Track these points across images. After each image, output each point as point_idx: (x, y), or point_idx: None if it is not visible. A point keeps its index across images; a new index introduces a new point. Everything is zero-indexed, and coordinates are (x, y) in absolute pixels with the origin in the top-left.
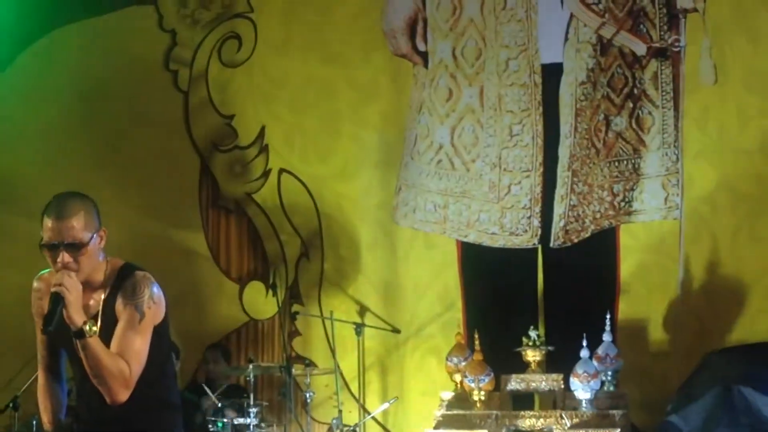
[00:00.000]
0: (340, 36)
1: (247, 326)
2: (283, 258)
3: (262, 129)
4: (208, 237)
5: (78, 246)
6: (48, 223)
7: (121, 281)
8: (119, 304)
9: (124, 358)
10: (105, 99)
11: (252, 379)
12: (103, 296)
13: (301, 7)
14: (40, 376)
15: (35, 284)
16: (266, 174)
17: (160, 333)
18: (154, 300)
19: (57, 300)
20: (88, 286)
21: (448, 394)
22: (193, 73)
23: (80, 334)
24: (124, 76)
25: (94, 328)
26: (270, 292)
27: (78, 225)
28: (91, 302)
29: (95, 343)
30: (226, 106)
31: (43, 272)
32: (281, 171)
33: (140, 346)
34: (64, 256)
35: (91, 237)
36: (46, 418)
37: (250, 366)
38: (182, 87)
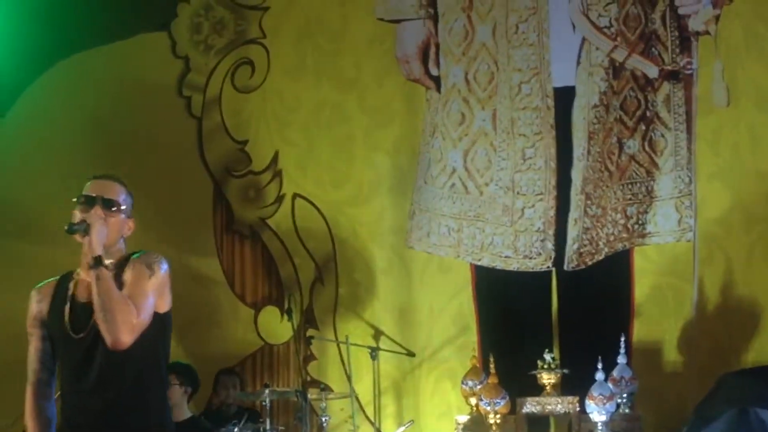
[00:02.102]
0: (353, 61)
1: (263, 351)
2: (298, 282)
3: (276, 154)
4: (222, 262)
5: (113, 204)
6: (88, 184)
7: (128, 258)
8: (129, 267)
9: (133, 303)
10: (118, 125)
11: (268, 404)
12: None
13: (313, 33)
14: (29, 394)
15: (33, 293)
16: (280, 199)
17: (164, 324)
18: (164, 269)
19: (82, 222)
20: None
21: (463, 418)
22: (206, 99)
23: (98, 261)
24: (137, 103)
25: (109, 261)
26: (285, 316)
27: (118, 191)
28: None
29: (109, 276)
30: (240, 132)
31: (40, 284)
32: (295, 196)
33: (147, 300)
34: (98, 210)
35: (124, 211)
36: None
37: (266, 391)
38: (195, 113)
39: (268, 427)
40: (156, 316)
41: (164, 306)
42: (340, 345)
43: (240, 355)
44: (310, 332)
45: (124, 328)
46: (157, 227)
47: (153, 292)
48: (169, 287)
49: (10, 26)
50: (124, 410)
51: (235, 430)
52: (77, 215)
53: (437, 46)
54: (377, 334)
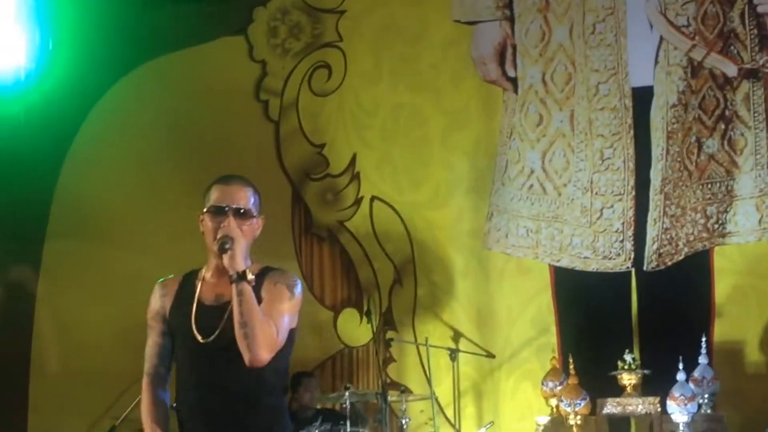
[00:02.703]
0: (430, 63)
1: (342, 353)
2: (377, 285)
3: (354, 157)
4: (301, 265)
5: (244, 214)
6: (215, 191)
7: (265, 274)
8: (268, 284)
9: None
10: (196, 130)
11: (348, 406)
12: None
13: (390, 37)
14: (146, 386)
15: (156, 287)
16: (358, 202)
17: (292, 338)
18: (299, 295)
19: (226, 239)
20: (227, 274)
21: (543, 419)
22: (283, 103)
23: (241, 276)
24: (215, 107)
25: (251, 277)
26: (364, 318)
27: (247, 196)
28: (226, 291)
29: (252, 292)
30: (317, 135)
31: (163, 279)
32: (373, 198)
33: (285, 320)
34: (231, 221)
35: (256, 214)
36: (151, 428)
37: (347, 393)
38: (273, 117)
39: (348, 428)
40: (289, 332)
41: (295, 323)
42: (420, 347)
43: (320, 358)
44: (389, 334)
45: (264, 346)
46: None
47: (290, 314)
48: (297, 311)
49: (89, 31)
50: (242, 414)
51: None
52: (208, 224)
53: (514, 47)
54: (456, 335)
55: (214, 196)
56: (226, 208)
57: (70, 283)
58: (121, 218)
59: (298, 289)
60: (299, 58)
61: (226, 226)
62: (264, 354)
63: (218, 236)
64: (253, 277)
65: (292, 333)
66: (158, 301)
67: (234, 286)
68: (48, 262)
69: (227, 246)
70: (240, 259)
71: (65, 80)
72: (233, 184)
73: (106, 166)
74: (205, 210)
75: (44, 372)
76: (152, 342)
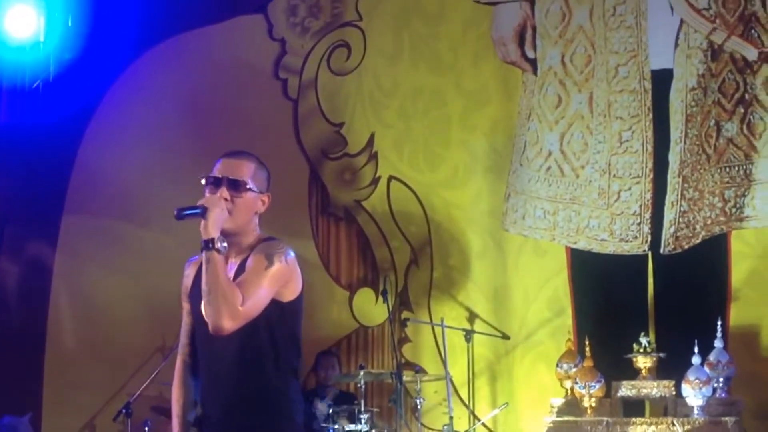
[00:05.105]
0: (450, 44)
1: (357, 333)
2: (393, 265)
3: (372, 136)
4: (318, 245)
5: (239, 185)
6: (218, 162)
7: (259, 245)
8: (253, 255)
9: (242, 291)
10: (215, 108)
11: (363, 386)
12: (239, 261)
13: (410, 16)
14: (177, 366)
15: (185, 267)
16: (375, 181)
17: (292, 311)
18: (287, 261)
19: (199, 207)
20: (234, 248)
21: (558, 401)
22: (302, 82)
23: (209, 243)
24: (233, 85)
25: (224, 244)
26: (380, 298)
27: (246, 169)
28: (232, 273)
29: (220, 261)
30: (336, 114)
31: (192, 258)
32: (390, 178)
33: (260, 290)
34: (224, 192)
35: (254, 189)
36: (175, 411)
37: (361, 372)
38: (292, 95)
39: (362, 408)
40: (275, 304)
41: (289, 295)
42: (435, 327)
43: (335, 336)
44: (405, 314)
45: (226, 314)
46: None
47: (269, 283)
48: (297, 276)
49: (108, 9)
50: (246, 397)
51: (329, 410)
52: (206, 196)
53: (534, 28)
54: (472, 316)
55: (214, 168)
56: (221, 178)
57: (86, 259)
58: (138, 194)
59: (284, 257)
60: (319, 37)
61: (215, 196)
62: (225, 322)
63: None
64: (224, 245)
65: (287, 306)
66: (184, 280)
67: (203, 253)
68: (65, 237)
69: (186, 213)
70: (212, 228)
71: (84, 57)
72: (235, 157)
73: (125, 143)
74: (202, 181)
75: (60, 347)
76: (183, 323)
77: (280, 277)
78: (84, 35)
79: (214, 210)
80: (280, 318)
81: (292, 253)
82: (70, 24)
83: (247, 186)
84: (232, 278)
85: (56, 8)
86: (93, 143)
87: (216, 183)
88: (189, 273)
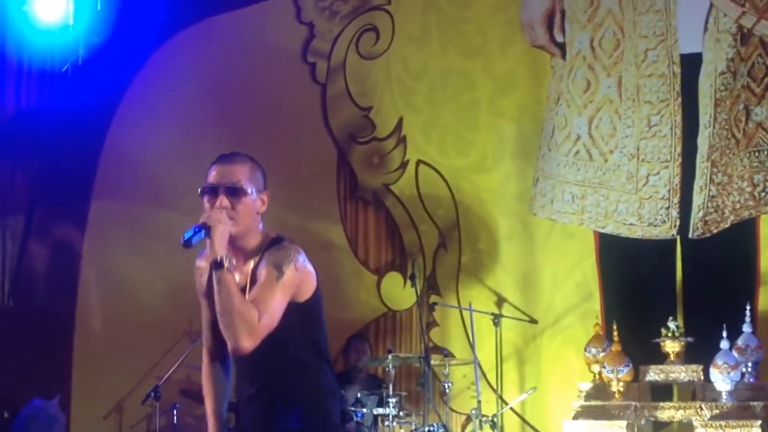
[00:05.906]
0: (478, 28)
1: (386, 317)
2: (421, 249)
3: (400, 120)
4: (346, 228)
5: (238, 191)
6: (212, 169)
7: (267, 250)
8: (263, 265)
9: (256, 308)
10: (244, 91)
11: (391, 370)
12: (251, 266)
13: (438, 0)
14: (204, 358)
15: (198, 261)
16: (404, 165)
17: (307, 311)
18: (297, 267)
19: (202, 226)
20: (242, 252)
21: (586, 385)
22: (330, 65)
23: (219, 264)
24: (262, 69)
25: (233, 261)
26: (408, 282)
27: (241, 173)
28: (239, 277)
29: (231, 280)
30: (364, 98)
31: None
32: (419, 162)
33: (274, 301)
34: (223, 200)
35: (253, 191)
36: (208, 406)
37: (389, 356)
38: (320, 79)
39: (391, 392)
40: (294, 306)
41: (304, 294)
42: (463, 312)
43: (363, 320)
44: (433, 298)
45: (245, 334)
46: (282, 194)
47: (282, 293)
48: (310, 275)
49: None
50: (275, 395)
51: (358, 394)
52: (205, 206)
53: (563, 12)
54: (500, 300)
55: (209, 176)
56: (218, 186)
57: (115, 243)
58: (167, 179)
59: (293, 264)
60: (347, 21)
61: (209, 211)
62: (245, 343)
63: (200, 220)
64: (233, 263)
65: (305, 305)
66: (197, 274)
67: (213, 273)
68: (94, 221)
69: (193, 239)
70: (218, 247)
71: (113, 41)
72: (228, 162)
73: (154, 126)
74: (199, 192)
75: (89, 330)
76: (203, 315)
77: (291, 284)
78: (113, 19)
79: (218, 227)
80: (301, 318)
81: (301, 256)
82: (99, 8)
83: (246, 190)
84: (244, 285)
85: None
86: (122, 127)
87: (213, 191)
88: (202, 266)
